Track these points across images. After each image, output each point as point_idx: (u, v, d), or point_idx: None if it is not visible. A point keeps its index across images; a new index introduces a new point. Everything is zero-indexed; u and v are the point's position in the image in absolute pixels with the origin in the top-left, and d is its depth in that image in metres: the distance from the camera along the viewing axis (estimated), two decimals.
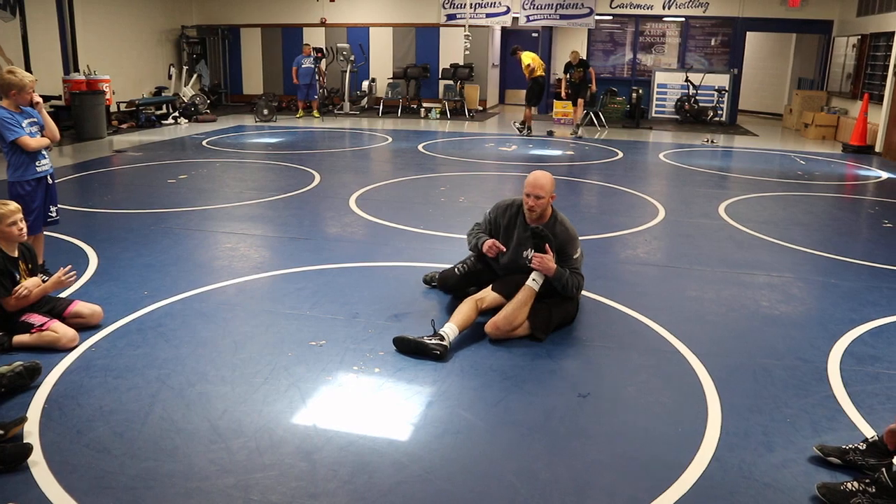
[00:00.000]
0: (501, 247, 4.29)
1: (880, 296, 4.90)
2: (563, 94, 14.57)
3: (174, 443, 2.95)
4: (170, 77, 16.20)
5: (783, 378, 3.65)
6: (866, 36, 14.08)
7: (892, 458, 2.76)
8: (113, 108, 13.87)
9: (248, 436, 3.00)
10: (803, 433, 3.12)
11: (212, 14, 18.46)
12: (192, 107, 15.07)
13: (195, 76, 16.78)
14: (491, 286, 4.14)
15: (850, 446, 2.87)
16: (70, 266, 4.06)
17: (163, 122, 14.39)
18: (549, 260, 3.99)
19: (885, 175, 10.27)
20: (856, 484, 2.62)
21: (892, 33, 12.22)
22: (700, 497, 2.66)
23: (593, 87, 14.18)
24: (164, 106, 15.01)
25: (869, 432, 3.07)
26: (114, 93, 13.80)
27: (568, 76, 13.90)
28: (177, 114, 14.74)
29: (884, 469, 2.62)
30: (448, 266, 4.70)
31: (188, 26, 17.74)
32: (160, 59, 16.77)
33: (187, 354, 3.76)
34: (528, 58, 13.55)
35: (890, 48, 12.32)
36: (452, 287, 4.48)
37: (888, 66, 12.28)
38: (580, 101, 13.97)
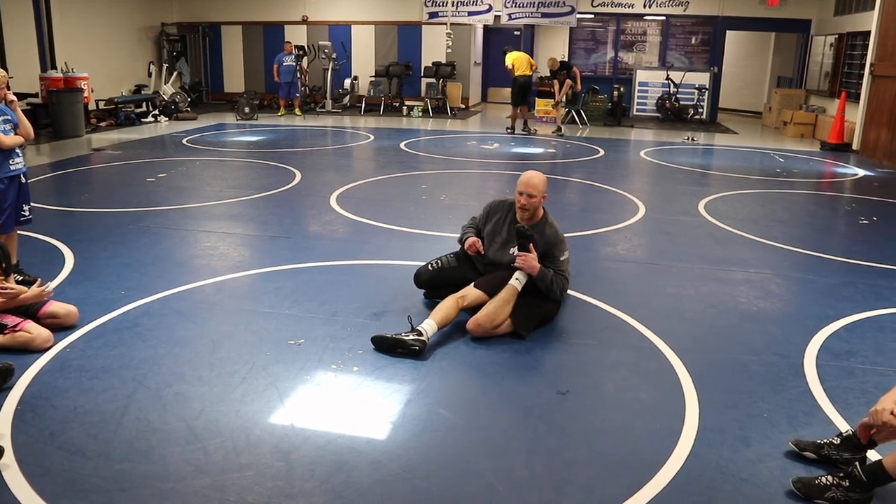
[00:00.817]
0: (480, 248, 4.32)
1: (856, 291, 4.95)
2: (555, 97, 14.89)
3: (149, 444, 2.92)
4: (150, 75, 16.07)
5: (760, 373, 3.68)
6: (843, 35, 14.23)
7: (866, 451, 2.80)
8: (92, 106, 13.72)
9: (224, 436, 2.98)
10: (779, 428, 3.14)
11: (192, 11, 18.32)
12: (173, 105, 14.95)
13: (175, 74, 16.66)
14: (474, 283, 4.13)
15: (825, 441, 2.90)
16: (49, 284, 4.03)
17: (142, 120, 14.27)
18: (532, 259, 4.00)
19: (861, 172, 10.38)
20: (830, 478, 2.65)
21: (868, 32, 12.34)
22: (677, 493, 2.67)
23: (578, 86, 14.53)
24: (144, 104, 14.89)
25: (844, 427, 3.10)
26: (92, 90, 13.65)
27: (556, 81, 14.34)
28: (157, 112, 14.62)
29: (857, 463, 2.65)
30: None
31: (168, 24, 17.60)
32: (140, 57, 16.62)
33: (164, 354, 3.72)
34: (510, 58, 13.56)
35: (866, 47, 12.45)
36: (424, 283, 4.46)
37: (865, 64, 12.40)
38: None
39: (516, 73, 13.45)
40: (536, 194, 4.14)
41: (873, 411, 2.58)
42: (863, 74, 12.46)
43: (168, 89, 15.58)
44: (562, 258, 4.15)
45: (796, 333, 4.20)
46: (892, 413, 2.52)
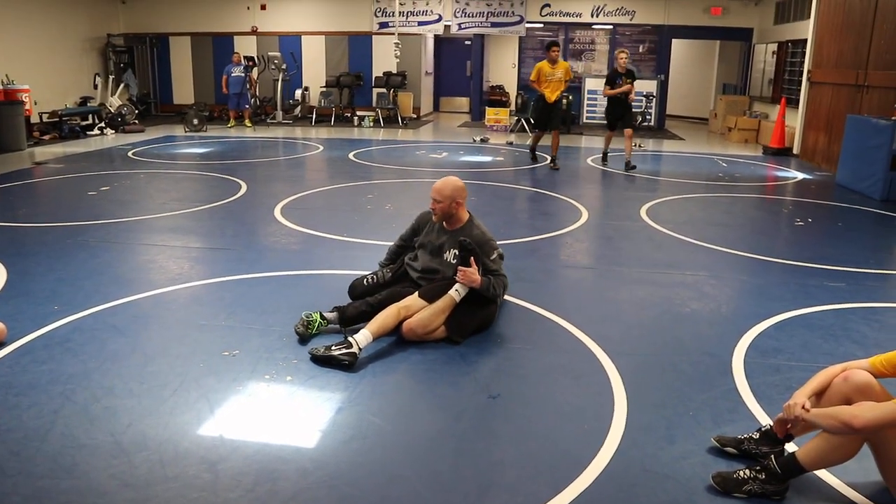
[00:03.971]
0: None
1: (787, 290, 5.10)
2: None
3: (74, 459, 2.87)
4: (95, 87, 15.82)
5: (689, 373, 3.76)
6: (783, 43, 14.67)
7: (783, 445, 2.88)
8: (34, 119, 13.44)
9: (151, 449, 2.94)
10: (704, 425, 3.22)
11: (139, 22, 18.08)
12: (119, 117, 14.72)
13: (122, 86, 16.41)
14: (417, 293, 4.14)
15: (745, 436, 2.97)
16: None
17: (88, 132, 14.01)
18: (472, 273, 4.04)
19: (800, 176, 10.69)
20: (748, 472, 2.72)
21: (806, 41, 12.73)
22: (601, 491, 2.72)
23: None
24: (90, 116, 14.62)
25: (766, 422, 3.18)
26: (35, 103, 13.38)
27: (609, 88, 10.59)
28: (103, 124, 14.38)
29: (773, 456, 2.73)
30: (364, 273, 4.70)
31: (114, 34, 17.33)
32: (85, 69, 16.33)
33: (94, 369, 3.66)
34: (535, 69, 10.52)
35: (804, 55, 12.84)
36: (359, 296, 4.43)
37: (803, 71, 12.79)
38: (627, 130, 10.67)
39: (542, 90, 10.37)
40: (442, 199, 4.22)
41: (787, 406, 2.67)
42: (801, 81, 12.84)
43: (114, 101, 15.34)
44: (492, 257, 4.19)
45: (727, 333, 4.31)
46: (803, 407, 2.61)
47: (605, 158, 11.35)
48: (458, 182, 4.29)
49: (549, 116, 10.60)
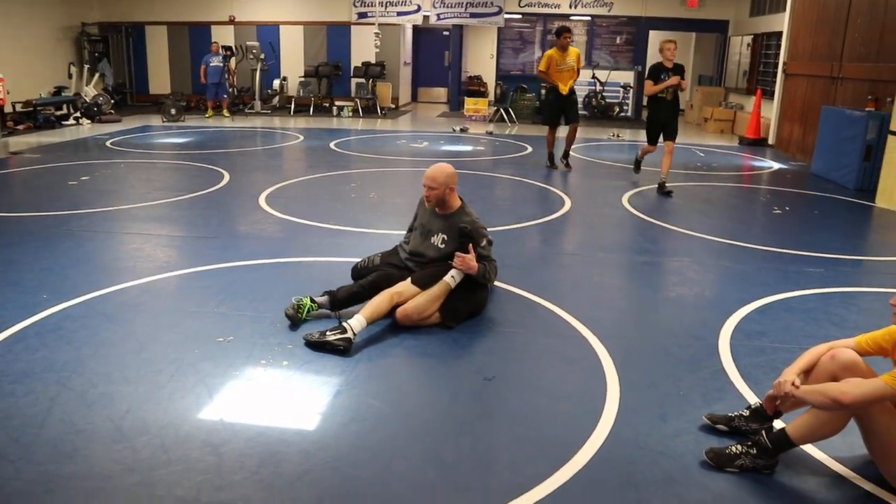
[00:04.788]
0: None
1: (768, 276, 5.21)
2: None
3: (74, 445, 2.88)
4: (70, 76, 15.59)
5: (678, 355, 3.85)
6: (759, 35, 14.86)
7: (772, 421, 2.97)
8: (8, 109, 13.21)
9: (152, 433, 2.96)
10: (695, 404, 3.31)
11: (114, 11, 17.82)
12: (95, 107, 14.52)
13: (97, 75, 16.18)
14: (410, 279, 4.18)
15: (736, 413, 3.07)
16: None
17: (63, 122, 13.81)
18: (470, 259, 4.08)
19: (776, 165, 10.87)
20: (739, 447, 2.81)
21: (781, 33, 12.92)
22: (599, 468, 2.79)
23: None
24: (65, 106, 14.40)
25: (753, 400, 3.28)
26: (8, 92, 13.14)
27: (653, 83, 8.28)
28: (78, 114, 14.18)
29: (763, 432, 2.82)
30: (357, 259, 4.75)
31: (89, 23, 17.06)
32: (59, 58, 16.07)
33: (89, 356, 3.66)
34: (545, 58, 9.55)
35: (779, 47, 13.03)
36: (355, 279, 4.48)
37: (778, 63, 12.98)
38: (669, 144, 8.42)
39: (552, 81, 9.50)
40: (436, 186, 4.29)
41: (777, 383, 2.76)
42: (776, 73, 13.04)
43: (90, 91, 15.13)
44: (482, 244, 4.25)
45: (713, 317, 4.41)
46: (792, 384, 2.70)
47: (637, 168, 9.25)
48: (450, 168, 4.35)
49: (562, 110, 9.60)
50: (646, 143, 8.77)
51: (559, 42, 9.43)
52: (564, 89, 9.43)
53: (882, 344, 2.77)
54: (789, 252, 5.85)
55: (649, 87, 8.34)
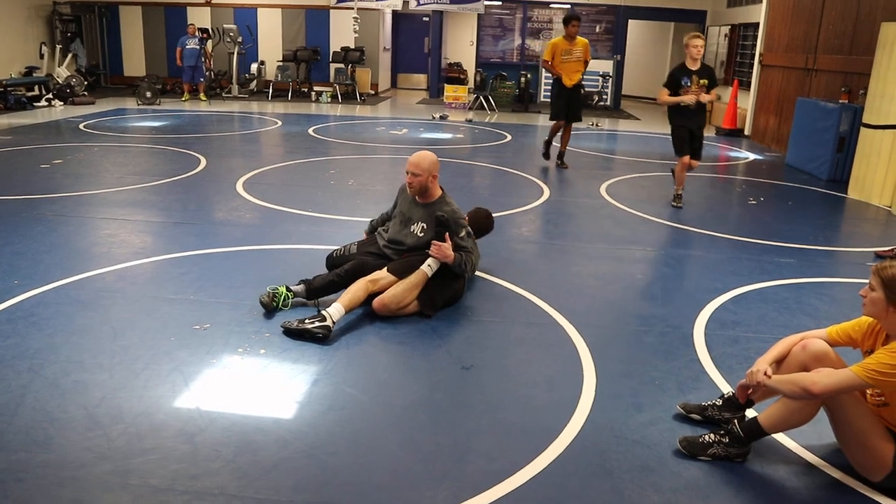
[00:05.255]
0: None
1: (742, 266, 5.28)
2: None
3: (47, 433, 2.85)
4: (42, 56, 15.29)
5: (653, 344, 3.89)
6: (736, 26, 14.95)
7: (745, 410, 3.02)
8: None
9: (127, 422, 2.94)
10: (669, 393, 3.35)
11: None
12: (68, 88, 14.28)
13: (70, 56, 15.90)
14: (387, 268, 4.17)
15: (709, 403, 3.11)
16: None
17: (35, 104, 13.56)
18: (447, 248, 4.09)
19: (752, 156, 10.98)
20: (712, 436, 2.85)
21: (757, 24, 13.01)
22: (574, 456, 2.82)
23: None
24: (37, 87, 14.13)
25: (727, 389, 3.33)
26: None
27: (668, 92, 6.85)
28: (50, 96, 13.93)
29: (735, 421, 2.86)
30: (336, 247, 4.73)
31: (61, 2, 16.71)
32: (31, 37, 15.76)
33: (62, 343, 3.62)
34: (549, 46, 8.93)
35: (756, 38, 13.12)
36: (330, 268, 4.47)
37: (755, 54, 13.08)
38: (694, 161, 7.02)
39: (557, 72, 8.76)
40: (420, 173, 4.27)
41: (749, 373, 2.80)
42: (753, 64, 13.14)
43: (62, 72, 14.87)
44: (461, 234, 4.25)
45: (687, 306, 4.45)
46: (764, 374, 2.74)
47: (677, 200, 7.09)
48: (433, 156, 4.35)
49: (567, 104, 8.82)
50: (681, 160, 6.81)
51: (566, 31, 8.70)
52: (569, 81, 8.70)
53: (852, 335, 2.82)
54: (763, 242, 5.92)
55: (664, 97, 6.73)
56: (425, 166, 4.28)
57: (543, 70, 16.82)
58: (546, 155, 9.27)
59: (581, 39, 8.77)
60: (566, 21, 8.72)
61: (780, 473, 2.79)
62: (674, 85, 6.75)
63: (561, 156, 9.18)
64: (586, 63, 8.85)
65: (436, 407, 3.16)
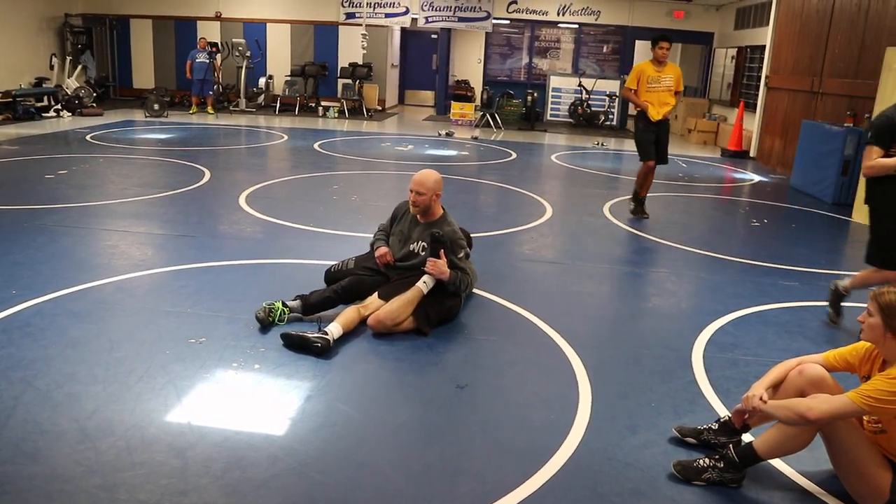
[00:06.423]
0: (391, 259, 4.38)
1: (743, 288, 5.25)
2: None
3: (37, 445, 2.83)
4: (52, 67, 15.42)
5: (651, 366, 3.86)
6: (743, 48, 14.99)
7: (741, 435, 2.99)
8: None
9: (118, 435, 2.92)
10: (665, 416, 3.31)
11: (98, 3, 17.68)
12: (77, 99, 14.39)
13: (80, 67, 16.04)
14: (377, 293, 4.16)
15: (705, 426, 3.08)
16: None
17: (44, 115, 13.67)
18: (442, 265, 4.08)
19: (756, 178, 10.96)
20: (707, 460, 2.82)
21: (764, 47, 13.04)
22: (566, 478, 2.79)
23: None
24: (46, 98, 14.24)
25: (724, 413, 3.29)
26: None
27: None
28: (59, 107, 14.03)
29: (731, 445, 2.83)
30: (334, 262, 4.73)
31: (72, 14, 16.90)
32: (41, 49, 15.91)
33: (56, 355, 3.61)
34: (634, 73, 7.38)
35: (762, 60, 13.14)
36: (328, 282, 4.47)
37: (761, 76, 13.09)
38: None
39: (642, 102, 7.26)
40: (425, 192, 4.27)
41: (745, 397, 2.77)
42: (759, 86, 13.15)
43: (72, 83, 14.99)
44: (459, 255, 4.24)
45: (687, 328, 4.42)
46: (760, 399, 2.71)
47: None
48: (437, 175, 4.36)
49: (657, 140, 7.32)
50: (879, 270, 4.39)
51: (654, 53, 7.18)
52: (656, 114, 7.15)
53: (849, 360, 2.79)
54: (765, 265, 5.89)
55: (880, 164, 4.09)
56: (430, 185, 4.28)
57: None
58: (638, 210, 7.48)
59: (672, 66, 7.27)
60: (654, 42, 7.22)
61: (776, 500, 2.75)
62: (888, 142, 4.10)
63: (641, 202, 7.53)
64: (678, 94, 7.36)
65: (429, 426, 3.13)
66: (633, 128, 7.65)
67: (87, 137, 11.32)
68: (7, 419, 3.00)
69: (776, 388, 2.84)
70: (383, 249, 4.40)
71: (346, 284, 4.17)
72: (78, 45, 16.69)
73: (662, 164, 7.45)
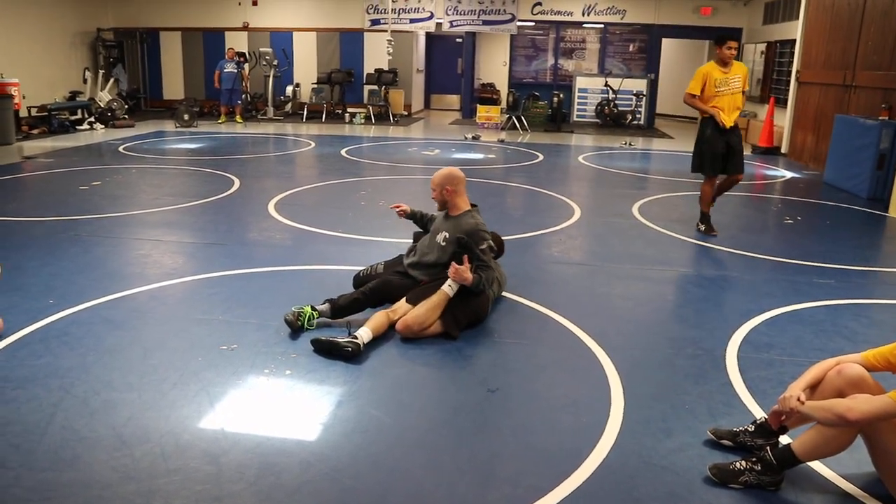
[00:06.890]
0: (405, 208, 4.82)
1: (777, 288, 5.16)
2: None
3: (75, 452, 2.88)
4: (85, 81, 15.73)
5: (684, 367, 3.81)
6: (772, 43, 14.77)
7: (778, 437, 2.93)
8: (23, 113, 13.35)
9: (153, 441, 2.96)
10: (700, 418, 3.26)
11: (129, 17, 17.98)
12: (109, 112, 14.65)
13: (112, 80, 16.31)
14: (405, 298, 4.17)
15: (741, 428, 3.02)
16: None
17: (77, 127, 13.93)
18: (464, 271, 4.06)
19: (789, 175, 10.79)
20: (744, 463, 2.77)
21: (794, 41, 12.84)
22: (601, 482, 2.76)
23: None
24: (79, 111, 14.51)
25: (760, 415, 3.23)
26: (24, 97, 13.28)
27: None
28: (92, 119, 14.29)
29: (768, 448, 2.78)
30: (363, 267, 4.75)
31: (104, 29, 17.22)
32: (74, 63, 16.23)
33: (93, 362, 3.67)
34: (698, 76, 6.60)
35: (793, 55, 12.94)
36: (356, 287, 4.51)
37: (791, 71, 12.89)
38: None
39: (709, 107, 6.59)
40: (435, 187, 4.48)
41: (782, 398, 2.71)
42: (790, 81, 12.95)
43: (104, 96, 15.26)
44: (482, 246, 4.24)
45: (720, 328, 4.36)
46: (798, 400, 2.65)
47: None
48: (446, 170, 4.49)
49: (727, 150, 6.64)
50: None
51: (719, 54, 6.48)
52: (728, 121, 6.54)
53: (890, 359, 2.72)
54: (800, 263, 5.79)
55: None
56: (437, 181, 4.46)
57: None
58: (708, 229, 6.76)
59: (738, 64, 6.63)
60: (719, 41, 6.50)
61: (815, 503, 2.69)
62: None
63: (708, 219, 6.83)
64: (745, 95, 6.76)
65: (460, 430, 3.12)
66: (698, 136, 6.88)
67: (120, 149, 11.52)
68: (46, 427, 3.05)
69: (814, 389, 2.78)
70: (403, 207, 4.82)
71: (373, 286, 4.20)
72: (110, 58, 17.00)
73: (738, 173, 6.79)
